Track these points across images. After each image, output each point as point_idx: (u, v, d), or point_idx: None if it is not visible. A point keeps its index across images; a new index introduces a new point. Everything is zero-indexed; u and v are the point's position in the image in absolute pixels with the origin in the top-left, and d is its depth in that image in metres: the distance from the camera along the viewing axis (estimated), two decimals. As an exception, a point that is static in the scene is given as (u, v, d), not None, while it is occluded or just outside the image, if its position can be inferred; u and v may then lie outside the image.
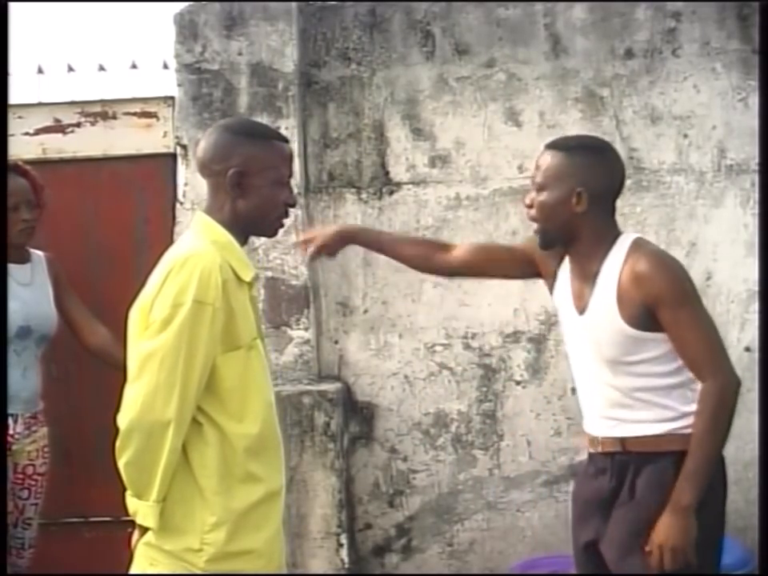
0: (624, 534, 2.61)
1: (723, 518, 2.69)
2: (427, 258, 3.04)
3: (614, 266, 2.62)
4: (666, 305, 2.54)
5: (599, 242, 2.66)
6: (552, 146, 2.74)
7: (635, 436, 2.62)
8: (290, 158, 2.54)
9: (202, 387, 2.32)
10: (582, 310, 2.70)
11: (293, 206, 2.56)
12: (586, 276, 2.68)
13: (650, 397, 2.61)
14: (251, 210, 2.46)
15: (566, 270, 2.78)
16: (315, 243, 3.06)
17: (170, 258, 2.38)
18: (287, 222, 3.77)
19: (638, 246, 2.64)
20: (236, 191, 2.44)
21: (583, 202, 2.63)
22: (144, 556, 2.39)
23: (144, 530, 2.37)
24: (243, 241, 2.52)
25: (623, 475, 2.64)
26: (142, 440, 2.28)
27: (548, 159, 2.68)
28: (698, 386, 2.58)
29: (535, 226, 2.72)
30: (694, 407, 2.57)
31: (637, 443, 2.62)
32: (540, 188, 2.67)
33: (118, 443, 2.32)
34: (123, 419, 2.30)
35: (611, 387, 2.65)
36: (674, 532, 2.51)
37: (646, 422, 2.61)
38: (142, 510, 2.34)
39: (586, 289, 2.68)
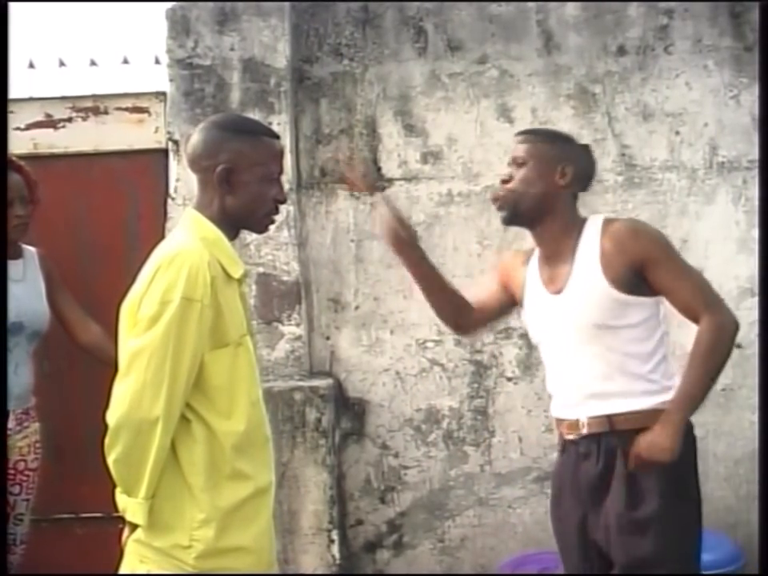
0: (623, 515, 2.62)
1: (700, 509, 2.71)
2: (453, 317, 3.15)
3: (592, 239, 2.71)
4: (653, 261, 2.64)
5: (572, 221, 2.77)
6: (530, 132, 2.90)
7: (622, 412, 2.65)
8: (279, 154, 2.54)
9: (191, 384, 2.32)
10: (558, 291, 2.75)
11: (282, 202, 2.56)
12: (562, 255, 2.75)
13: (634, 366, 2.67)
14: (240, 206, 2.46)
15: (533, 265, 2.87)
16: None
17: (158, 255, 2.38)
18: (278, 218, 3.77)
19: (611, 220, 2.75)
20: (224, 187, 2.44)
21: (567, 176, 2.74)
22: (134, 553, 2.39)
23: (134, 526, 2.37)
24: (233, 236, 2.51)
25: (611, 456, 2.65)
26: (130, 437, 2.28)
27: (530, 141, 2.80)
28: (674, 366, 2.69)
29: (501, 202, 2.79)
30: (676, 381, 2.65)
31: (624, 420, 2.64)
32: (522, 162, 2.76)
33: (106, 440, 2.32)
34: (112, 417, 2.30)
35: (596, 357, 2.68)
36: (663, 448, 2.55)
37: (632, 395, 2.65)
38: (131, 507, 2.34)
39: (562, 268, 2.75)
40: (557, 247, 2.77)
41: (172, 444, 2.33)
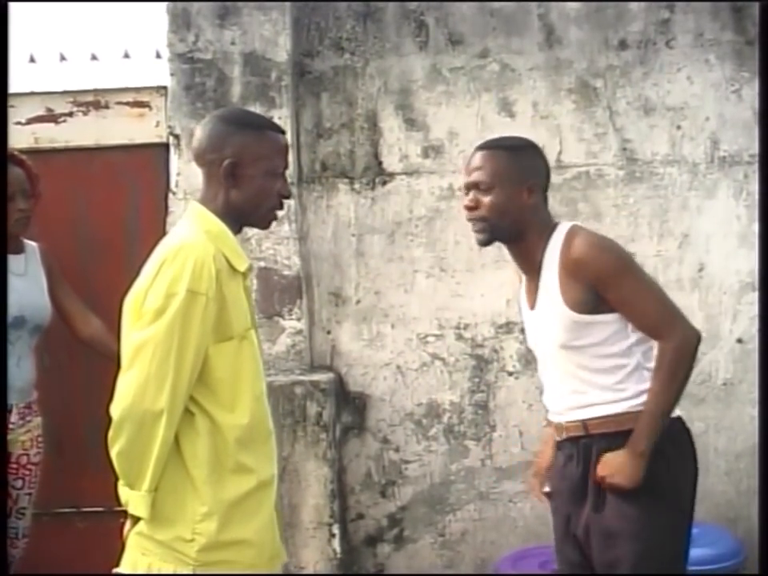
0: (595, 517, 2.67)
1: (691, 505, 2.72)
2: None
3: (554, 255, 2.69)
4: (608, 283, 2.60)
5: (543, 233, 2.73)
6: (489, 146, 2.77)
7: (595, 416, 2.68)
8: (284, 148, 2.54)
9: (195, 377, 2.32)
10: (533, 305, 2.78)
11: (287, 197, 2.55)
12: (533, 269, 2.75)
13: (603, 380, 2.67)
14: (244, 200, 2.46)
15: (523, 280, 2.87)
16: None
17: (163, 248, 2.38)
18: (280, 213, 3.77)
19: (573, 233, 2.68)
20: (229, 181, 2.44)
21: (534, 194, 2.71)
22: (136, 546, 2.39)
23: (136, 519, 2.37)
24: (237, 230, 2.52)
25: (588, 459, 2.70)
26: (133, 430, 2.28)
27: (490, 159, 2.72)
28: (652, 365, 2.66)
29: (476, 225, 2.75)
30: (648, 385, 2.65)
31: (598, 424, 2.68)
32: (489, 187, 2.71)
33: (110, 433, 2.32)
34: (115, 409, 2.30)
35: (568, 374, 2.72)
36: (624, 471, 2.59)
37: (604, 403, 2.67)
38: (133, 499, 2.34)
39: (533, 284, 2.77)
40: (529, 262, 2.77)
41: (175, 437, 2.34)
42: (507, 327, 4.28)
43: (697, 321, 4.18)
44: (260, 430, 2.46)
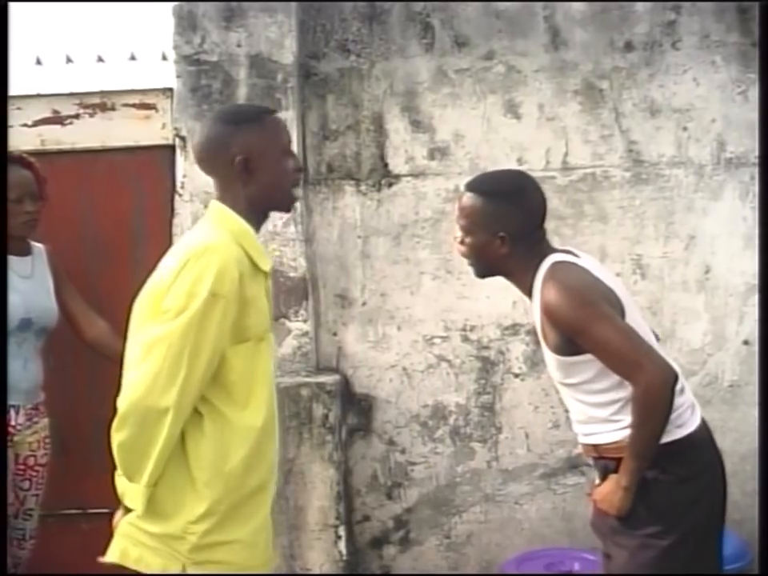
0: (612, 536, 2.75)
1: (722, 514, 2.75)
2: None
3: (536, 296, 2.71)
4: (575, 332, 2.61)
5: (528, 269, 2.74)
6: (472, 188, 2.81)
7: (603, 443, 2.73)
8: (284, 126, 2.58)
9: (207, 379, 2.33)
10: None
11: (301, 170, 2.60)
12: (528, 295, 2.79)
13: (601, 413, 2.71)
14: (264, 189, 2.49)
15: None
16: None
17: (187, 247, 2.38)
18: (286, 214, 3.77)
19: (549, 276, 2.68)
20: (244, 176, 2.46)
21: (506, 245, 2.72)
22: (127, 535, 2.39)
23: (129, 510, 2.37)
24: (259, 225, 2.54)
25: (606, 476, 2.75)
26: (138, 423, 2.28)
27: (469, 203, 2.77)
28: None
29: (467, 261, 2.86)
30: None
31: (606, 449, 2.73)
32: (465, 231, 2.78)
33: (114, 423, 2.32)
34: (123, 401, 2.31)
35: (571, 404, 2.81)
36: (610, 504, 2.67)
37: (606, 432, 2.71)
38: (131, 492, 2.34)
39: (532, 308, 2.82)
40: (523, 289, 2.81)
41: (181, 435, 2.34)
42: (513, 329, 4.28)
43: (703, 322, 4.22)
44: (271, 430, 2.47)
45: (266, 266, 2.49)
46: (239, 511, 2.38)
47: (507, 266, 2.77)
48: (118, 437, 2.32)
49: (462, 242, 2.81)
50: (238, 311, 2.34)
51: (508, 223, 2.72)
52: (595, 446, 2.76)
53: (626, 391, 2.64)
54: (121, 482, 2.39)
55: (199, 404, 2.35)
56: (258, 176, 2.47)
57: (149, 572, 2.35)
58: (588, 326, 2.59)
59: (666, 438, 2.63)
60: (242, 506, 2.39)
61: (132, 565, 2.38)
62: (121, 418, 2.31)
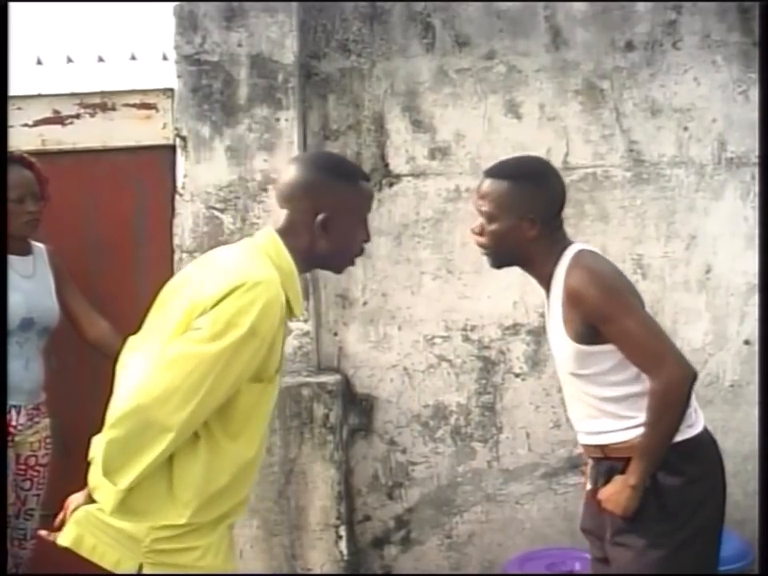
0: (611, 536, 2.72)
1: (723, 515, 2.74)
2: None
3: (558, 283, 2.69)
4: (600, 318, 2.59)
5: (551, 257, 2.72)
6: (495, 174, 2.76)
7: (610, 443, 2.69)
8: (372, 197, 2.58)
9: (217, 408, 2.31)
10: (549, 321, 2.80)
11: (368, 241, 2.57)
12: (545, 286, 2.77)
13: (614, 408, 2.67)
14: (332, 249, 2.46)
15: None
16: None
17: (238, 271, 2.32)
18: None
19: (576, 262, 2.68)
20: (321, 232, 2.43)
21: (535, 227, 2.69)
22: (84, 522, 2.35)
23: (92, 501, 2.34)
24: (304, 271, 2.50)
25: (610, 478, 2.71)
26: (137, 428, 2.24)
27: (494, 188, 2.72)
28: None
29: (482, 249, 2.80)
30: None
31: (613, 450, 2.70)
32: (490, 218, 2.72)
33: (111, 419, 2.27)
34: (129, 399, 2.26)
35: (581, 400, 2.74)
36: (616, 503, 2.63)
37: (616, 430, 2.68)
38: (104, 490, 2.29)
39: (547, 299, 2.78)
40: (541, 284, 2.79)
41: (173, 452, 2.32)
42: (514, 329, 4.28)
43: (704, 322, 4.22)
44: (256, 464, 2.47)
45: (299, 312, 2.47)
46: (202, 528, 2.36)
47: (530, 252, 2.71)
48: (111, 433, 2.26)
49: (481, 233, 2.75)
50: (266, 352, 2.32)
51: (535, 205, 2.69)
52: (603, 447, 2.72)
53: (641, 386, 2.62)
54: (96, 476, 2.34)
55: (199, 428, 2.33)
56: (331, 236, 2.44)
57: (102, 564, 2.33)
58: (615, 314, 2.58)
59: (678, 437, 2.63)
60: (208, 525, 2.38)
61: (85, 553, 2.34)
62: (122, 416, 2.26)
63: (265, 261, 2.39)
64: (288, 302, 2.38)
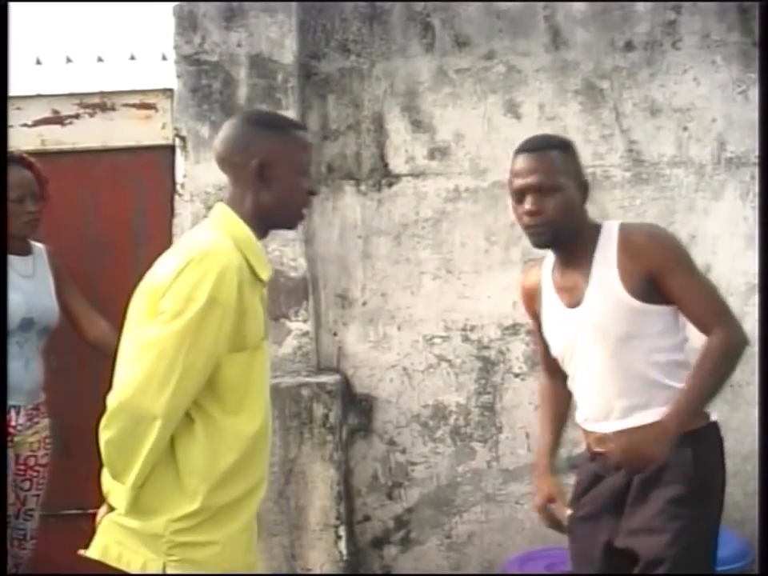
0: (655, 518, 2.61)
1: (721, 509, 2.71)
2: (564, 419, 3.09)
3: (609, 247, 2.66)
4: (668, 271, 2.60)
5: (591, 230, 2.71)
6: (535, 147, 2.71)
7: (646, 424, 2.58)
8: (309, 146, 2.55)
9: (201, 385, 2.30)
10: (576, 304, 2.71)
11: (314, 194, 2.58)
12: (578, 266, 2.70)
13: (655, 375, 2.64)
14: (275, 200, 2.45)
15: (547, 276, 2.82)
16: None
17: (188, 249, 2.35)
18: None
19: (627, 226, 2.72)
20: (259, 182, 2.43)
21: (586, 189, 2.73)
22: (108, 531, 2.37)
23: (113, 507, 2.36)
24: (263, 234, 2.50)
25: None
26: (127, 424, 2.26)
27: (547, 159, 2.67)
28: None
29: (538, 229, 2.68)
30: None
31: None
32: (551, 189, 2.64)
33: (103, 420, 2.29)
34: (113, 399, 2.28)
35: (619, 372, 2.66)
36: (652, 448, 2.52)
37: (654, 405, 2.61)
38: (116, 491, 2.33)
39: (578, 279, 2.70)
40: (573, 258, 2.72)
41: (172, 439, 2.32)
42: (514, 329, 4.28)
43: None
44: (263, 439, 2.45)
45: (266, 275, 2.46)
46: (219, 515, 2.36)
47: (581, 222, 2.70)
48: (105, 434, 2.29)
49: (539, 211, 2.64)
50: (235, 319, 2.31)
51: (581, 171, 2.75)
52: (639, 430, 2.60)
53: (683, 355, 2.66)
54: (107, 480, 2.37)
55: (192, 409, 2.32)
56: (271, 186, 2.44)
57: (129, 570, 2.34)
58: (683, 267, 2.62)
59: (713, 417, 2.67)
60: (224, 511, 2.37)
61: (113, 562, 2.35)
62: (110, 416, 2.28)
63: (216, 233, 2.40)
64: (251, 266, 2.39)
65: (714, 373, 2.58)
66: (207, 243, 2.35)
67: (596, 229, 2.71)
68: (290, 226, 2.59)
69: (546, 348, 2.93)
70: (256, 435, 2.39)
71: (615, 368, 2.67)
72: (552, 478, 3.03)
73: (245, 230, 2.43)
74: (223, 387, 2.34)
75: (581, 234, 2.70)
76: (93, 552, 2.40)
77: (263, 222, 2.47)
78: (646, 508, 2.62)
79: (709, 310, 2.63)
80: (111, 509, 2.38)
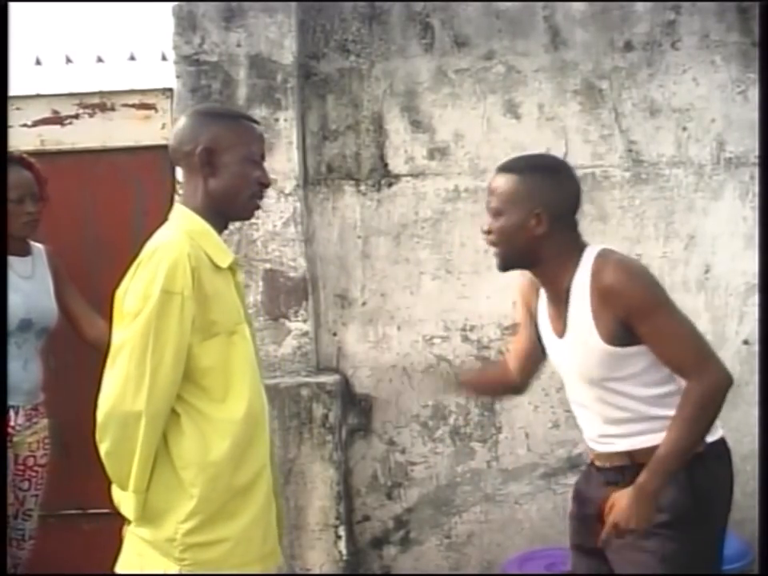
0: (641, 539, 2.55)
1: (727, 519, 2.67)
2: (510, 389, 3.13)
3: (583, 283, 2.55)
4: (638, 316, 2.47)
5: (564, 261, 2.59)
6: (504, 168, 2.66)
7: (641, 448, 2.56)
8: (259, 137, 2.56)
9: (178, 377, 2.33)
10: (561, 333, 2.66)
11: (267, 185, 2.57)
12: (559, 297, 2.63)
13: (646, 408, 2.56)
14: (223, 188, 2.47)
15: (543, 297, 2.75)
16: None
17: (143, 250, 2.41)
18: (285, 214, 3.80)
19: (603, 258, 2.55)
20: (206, 170, 2.46)
21: (543, 223, 2.57)
22: (132, 544, 2.41)
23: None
24: (221, 228, 2.53)
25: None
26: (117, 431, 2.29)
27: (501, 183, 2.61)
28: None
29: (494, 250, 2.68)
30: None
31: (644, 454, 2.54)
32: (497, 213, 2.61)
33: (96, 434, 2.33)
34: (99, 411, 2.32)
35: (606, 405, 2.61)
36: (633, 515, 2.47)
37: (649, 432, 2.55)
38: (124, 501, 2.36)
39: (561, 310, 2.63)
40: (554, 287, 2.64)
41: (164, 438, 2.34)
42: (513, 329, 4.28)
43: (703, 322, 4.21)
44: (256, 421, 2.45)
45: (224, 262, 2.46)
46: (226, 509, 2.37)
47: (541, 252, 2.58)
48: (102, 447, 2.34)
49: (489, 231, 2.63)
50: (197, 307, 2.33)
51: (544, 200, 2.56)
52: (631, 453, 2.58)
53: (675, 385, 2.53)
54: (116, 492, 2.40)
55: (176, 403, 2.35)
56: (219, 173, 2.46)
57: None
58: (656, 310, 2.47)
59: (711, 438, 2.55)
60: (230, 504, 2.38)
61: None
62: (100, 428, 2.32)
63: (169, 230, 2.45)
64: (209, 256, 2.41)
65: (696, 422, 2.46)
66: (157, 241, 2.41)
67: (578, 254, 2.59)
68: (243, 216, 2.62)
69: (520, 344, 2.96)
70: (245, 419, 2.39)
71: (602, 401, 2.62)
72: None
73: (199, 222, 2.46)
74: (203, 376, 2.36)
75: (548, 264, 2.61)
76: (119, 567, 2.44)
77: (216, 212, 2.49)
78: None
79: (685, 356, 2.49)
80: (129, 521, 2.40)
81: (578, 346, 2.59)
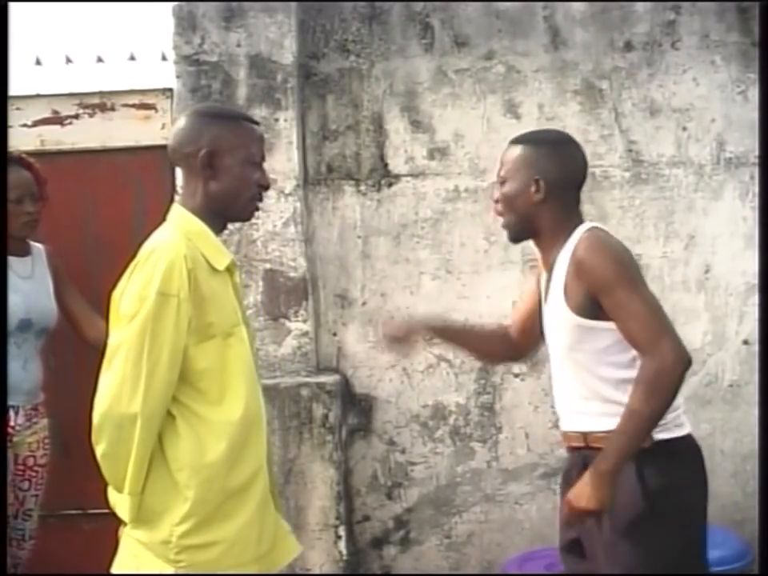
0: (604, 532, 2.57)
1: (705, 513, 2.66)
2: (495, 354, 3.19)
3: (566, 256, 2.63)
4: (603, 290, 2.52)
5: (559, 232, 2.68)
6: (514, 140, 2.78)
7: (595, 431, 2.59)
8: (260, 138, 2.56)
9: (174, 379, 2.32)
10: (546, 300, 2.75)
11: (266, 187, 2.57)
12: (548, 267, 2.72)
13: (605, 391, 2.58)
14: (224, 190, 2.47)
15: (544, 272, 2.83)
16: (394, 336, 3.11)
17: (140, 251, 2.40)
18: (285, 214, 3.80)
19: (587, 234, 2.63)
20: (207, 172, 2.45)
21: (541, 190, 2.66)
22: (128, 546, 2.41)
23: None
24: (220, 227, 2.53)
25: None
26: (112, 432, 2.29)
27: (509, 153, 2.74)
28: None
29: (501, 221, 2.78)
30: None
31: (597, 439, 2.58)
32: (503, 181, 2.73)
33: (92, 436, 2.33)
34: (95, 413, 2.32)
35: (574, 377, 2.66)
36: (589, 496, 2.48)
37: (606, 416, 2.55)
38: (121, 503, 2.36)
39: (548, 279, 2.73)
40: (546, 258, 2.74)
41: (159, 440, 2.34)
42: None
43: (703, 322, 4.22)
44: (252, 426, 2.44)
45: (222, 264, 2.46)
46: (221, 511, 2.37)
47: (539, 221, 2.68)
48: (98, 449, 2.34)
49: (497, 200, 2.75)
50: (194, 309, 2.33)
51: (545, 168, 2.67)
52: (586, 434, 2.62)
53: (635, 372, 2.52)
54: (112, 494, 2.40)
55: (171, 405, 2.34)
56: (220, 176, 2.45)
57: None
58: (620, 285, 2.51)
59: (666, 435, 2.55)
60: (225, 506, 2.38)
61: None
62: (96, 429, 2.32)
63: (166, 232, 2.44)
64: (206, 257, 2.41)
65: (648, 401, 2.45)
66: (153, 242, 2.40)
67: (571, 229, 2.67)
68: (243, 218, 2.61)
69: (521, 310, 3.03)
70: (242, 421, 2.39)
71: (571, 373, 2.67)
72: (423, 326, 3.10)
73: (197, 224, 2.45)
74: (199, 378, 2.36)
75: (545, 234, 2.71)
76: (115, 568, 2.44)
77: (215, 213, 2.48)
78: (606, 536, 2.57)
79: (642, 331, 2.49)
80: (125, 523, 2.40)
81: (554, 313, 2.68)
